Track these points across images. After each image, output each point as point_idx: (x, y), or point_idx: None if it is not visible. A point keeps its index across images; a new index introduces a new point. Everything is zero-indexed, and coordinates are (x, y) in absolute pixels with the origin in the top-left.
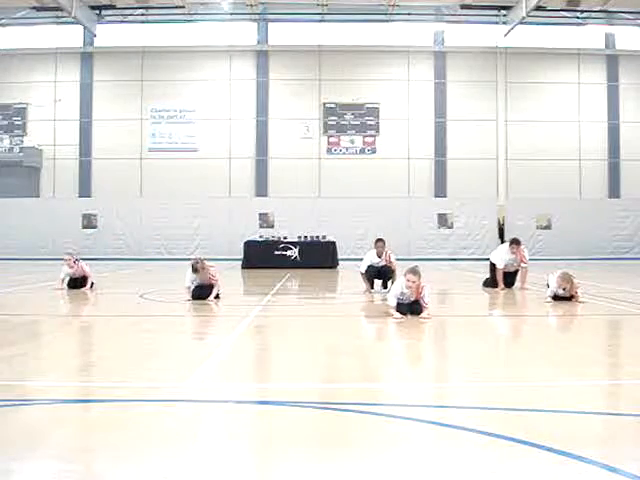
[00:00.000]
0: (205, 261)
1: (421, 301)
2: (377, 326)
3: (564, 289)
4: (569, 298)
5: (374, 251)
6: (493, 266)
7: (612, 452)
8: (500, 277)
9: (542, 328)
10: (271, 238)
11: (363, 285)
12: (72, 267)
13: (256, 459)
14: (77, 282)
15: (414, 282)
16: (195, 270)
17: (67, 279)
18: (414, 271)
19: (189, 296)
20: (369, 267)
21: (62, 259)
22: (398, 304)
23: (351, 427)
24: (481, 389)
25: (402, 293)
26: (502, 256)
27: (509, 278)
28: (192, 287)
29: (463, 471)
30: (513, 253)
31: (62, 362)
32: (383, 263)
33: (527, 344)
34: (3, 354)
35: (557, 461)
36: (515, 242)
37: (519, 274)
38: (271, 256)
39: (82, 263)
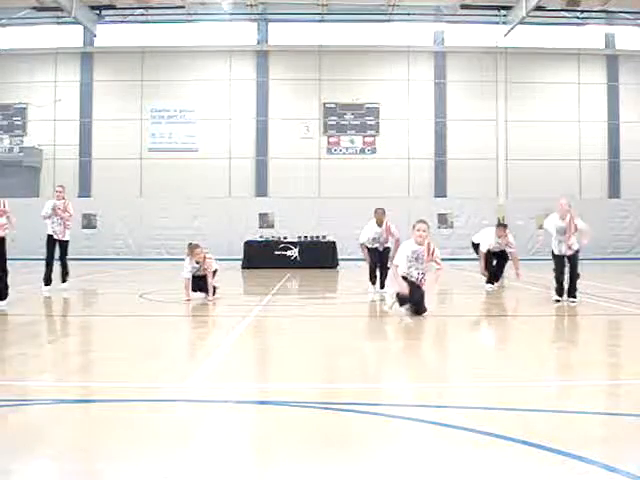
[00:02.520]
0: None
1: (435, 259)
2: (377, 326)
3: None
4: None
5: (373, 220)
6: (477, 248)
7: (612, 452)
8: (484, 262)
9: (542, 328)
10: (271, 238)
11: (365, 286)
12: (60, 199)
13: (256, 459)
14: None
15: (424, 232)
16: (190, 249)
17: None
18: (422, 221)
19: (187, 290)
20: (370, 251)
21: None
22: (402, 299)
23: (351, 427)
24: (481, 389)
25: (413, 252)
26: (488, 240)
27: (496, 262)
28: (190, 278)
29: (463, 471)
30: (499, 236)
31: (62, 362)
32: (384, 235)
33: (527, 344)
34: (3, 354)
35: (557, 461)
36: (502, 225)
37: (511, 261)
38: (271, 256)
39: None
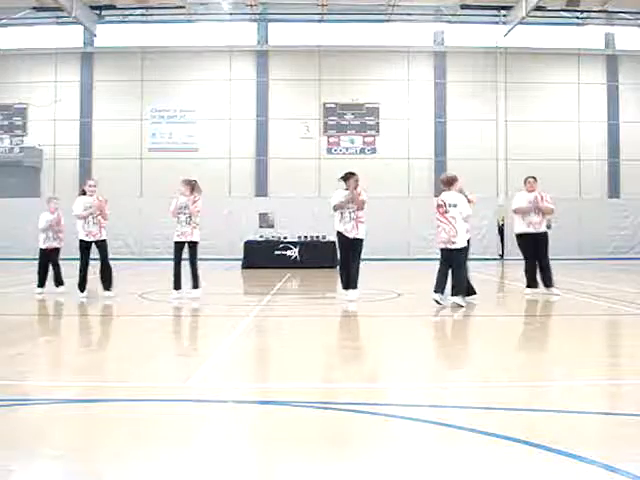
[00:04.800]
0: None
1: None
2: (377, 326)
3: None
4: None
5: (341, 189)
6: (519, 240)
7: (612, 452)
8: (524, 209)
9: (542, 328)
10: (271, 238)
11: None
12: (54, 213)
13: (256, 459)
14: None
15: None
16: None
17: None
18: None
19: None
20: (339, 240)
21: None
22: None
23: (351, 427)
24: (481, 389)
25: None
26: (518, 200)
27: (536, 250)
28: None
29: (463, 471)
30: (530, 191)
31: (62, 362)
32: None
33: (527, 344)
34: (3, 354)
35: (557, 461)
36: (531, 177)
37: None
38: (271, 256)
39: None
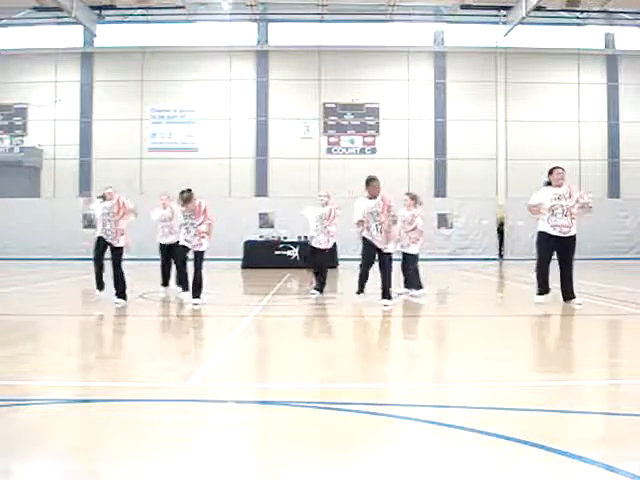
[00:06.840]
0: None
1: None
2: (377, 326)
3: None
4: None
5: (365, 196)
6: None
7: (612, 452)
8: (539, 210)
9: (542, 328)
10: (271, 238)
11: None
12: (165, 208)
13: (256, 459)
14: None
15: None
16: (184, 200)
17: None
18: None
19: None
20: (368, 245)
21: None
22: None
23: (351, 427)
24: (481, 389)
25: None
26: (542, 196)
27: (559, 255)
28: (182, 233)
29: (463, 471)
30: (558, 185)
31: (62, 362)
32: (379, 209)
33: (527, 344)
34: (3, 354)
35: (557, 461)
36: (557, 167)
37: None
38: (271, 256)
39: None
